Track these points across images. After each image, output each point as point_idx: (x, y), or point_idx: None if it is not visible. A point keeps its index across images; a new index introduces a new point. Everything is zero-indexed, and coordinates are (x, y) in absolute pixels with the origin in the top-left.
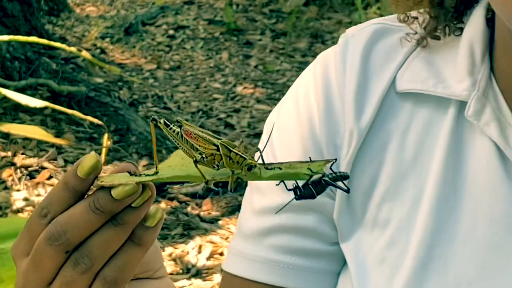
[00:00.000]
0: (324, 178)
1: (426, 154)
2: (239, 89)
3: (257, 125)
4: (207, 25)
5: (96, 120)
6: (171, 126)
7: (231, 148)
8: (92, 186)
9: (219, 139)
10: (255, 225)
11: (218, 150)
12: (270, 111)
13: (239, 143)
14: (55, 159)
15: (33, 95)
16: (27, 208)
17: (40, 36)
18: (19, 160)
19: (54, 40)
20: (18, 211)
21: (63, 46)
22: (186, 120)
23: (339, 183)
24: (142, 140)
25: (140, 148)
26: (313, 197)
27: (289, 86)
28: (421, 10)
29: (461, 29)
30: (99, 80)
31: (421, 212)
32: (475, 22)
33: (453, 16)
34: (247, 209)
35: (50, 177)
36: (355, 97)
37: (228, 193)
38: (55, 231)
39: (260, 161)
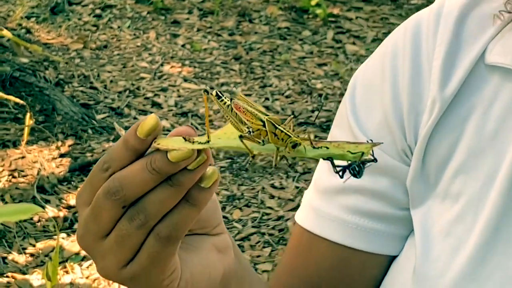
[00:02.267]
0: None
1: (508, 132)
2: (166, 68)
3: (184, 104)
4: (134, 4)
5: (18, 100)
6: (223, 98)
7: (277, 125)
8: (150, 147)
9: (267, 115)
10: (328, 182)
11: (264, 126)
12: (197, 90)
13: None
14: None
15: None
16: None
17: None
18: None
19: None
20: None
21: None
22: (112, 100)
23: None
24: (67, 120)
25: (65, 128)
26: (357, 177)
27: (216, 65)
28: None
29: None
30: (25, 60)
31: (493, 191)
32: None
33: None
34: (323, 163)
35: None
36: (443, 64)
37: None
38: (113, 186)
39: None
